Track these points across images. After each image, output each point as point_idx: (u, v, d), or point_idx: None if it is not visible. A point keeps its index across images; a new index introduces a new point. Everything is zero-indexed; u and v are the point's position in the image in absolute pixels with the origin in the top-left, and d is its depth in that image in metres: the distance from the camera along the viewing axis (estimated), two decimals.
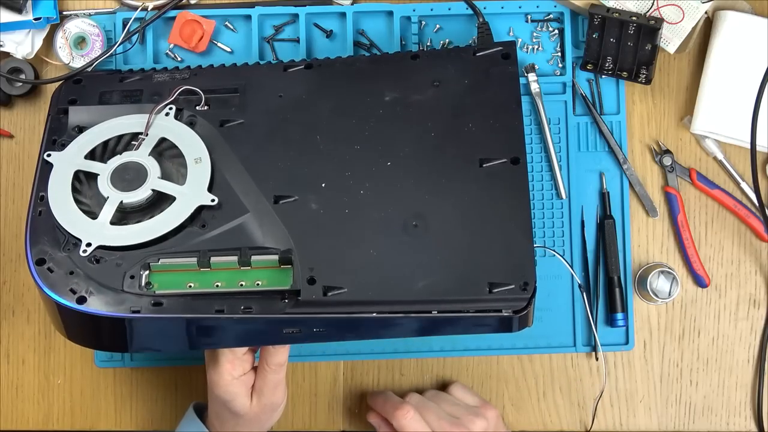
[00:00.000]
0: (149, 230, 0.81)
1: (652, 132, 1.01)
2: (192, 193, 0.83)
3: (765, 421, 0.99)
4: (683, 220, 0.99)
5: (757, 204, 0.98)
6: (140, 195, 0.83)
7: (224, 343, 0.84)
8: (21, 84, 0.98)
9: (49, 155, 0.85)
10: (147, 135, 0.85)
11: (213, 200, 0.82)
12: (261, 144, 0.86)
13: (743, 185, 1.01)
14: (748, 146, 0.95)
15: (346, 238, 0.81)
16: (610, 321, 0.98)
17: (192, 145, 0.85)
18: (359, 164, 0.84)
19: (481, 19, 0.95)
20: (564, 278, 0.99)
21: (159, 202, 0.84)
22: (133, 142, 0.86)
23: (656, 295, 0.98)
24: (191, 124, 0.87)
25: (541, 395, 1.00)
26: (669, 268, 0.98)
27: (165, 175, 0.85)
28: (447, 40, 1.01)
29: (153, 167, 0.84)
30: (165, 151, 0.86)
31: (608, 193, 0.99)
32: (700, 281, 1.00)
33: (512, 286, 0.78)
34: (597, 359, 0.99)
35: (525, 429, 1.00)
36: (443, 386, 0.99)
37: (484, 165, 0.83)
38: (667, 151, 1.01)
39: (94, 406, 1.00)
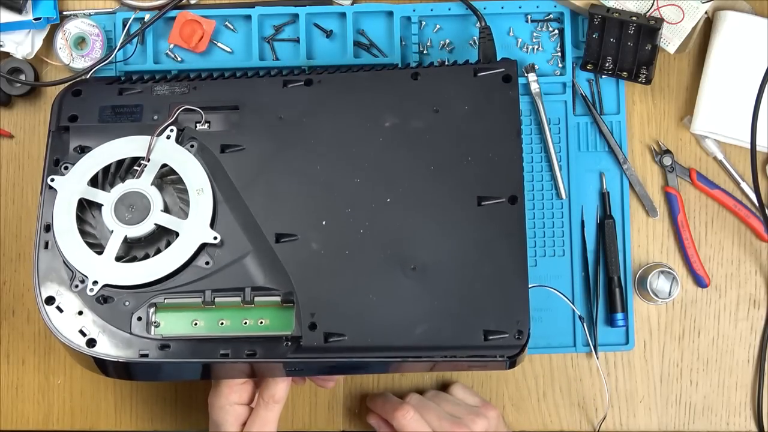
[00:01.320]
0: (154, 270, 0.83)
1: (652, 132, 1.01)
2: (194, 228, 0.84)
3: (765, 421, 0.99)
4: (683, 220, 0.99)
5: (757, 204, 0.98)
6: (144, 229, 0.84)
7: (228, 377, 0.87)
8: (21, 84, 0.98)
9: (53, 180, 0.86)
10: (149, 161, 0.86)
11: (215, 238, 0.83)
12: (261, 173, 0.86)
13: (743, 185, 1.01)
14: (748, 146, 0.95)
15: (347, 281, 0.83)
16: (610, 321, 0.98)
17: (194, 174, 0.85)
18: (359, 200, 0.84)
19: (482, 24, 0.94)
20: (564, 278, 0.99)
21: (162, 233, 0.85)
22: (135, 168, 0.86)
23: (656, 295, 0.98)
24: (191, 147, 0.87)
25: (541, 395, 1.00)
26: (669, 268, 0.98)
27: (167, 205, 0.86)
28: (447, 40, 1.01)
29: (155, 198, 0.85)
30: (167, 176, 0.87)
31: (608, 193, 0.99)
32: (700, 281, 1.00)
33: (507, 335, 0.80)
34: (597, 359, 0.99)
35: (525, 429, 1.00)
36: (443, 387, 0.99)
37: (483, 203, 0.84)
38: (667, 151, 1.01)
39: (94, 406, 1.00)
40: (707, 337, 1.00)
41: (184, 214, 0.85)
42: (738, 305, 1.00)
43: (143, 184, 0.85)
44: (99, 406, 1.00)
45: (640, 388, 1.00)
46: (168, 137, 0.86)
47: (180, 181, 0.86)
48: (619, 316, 0.98)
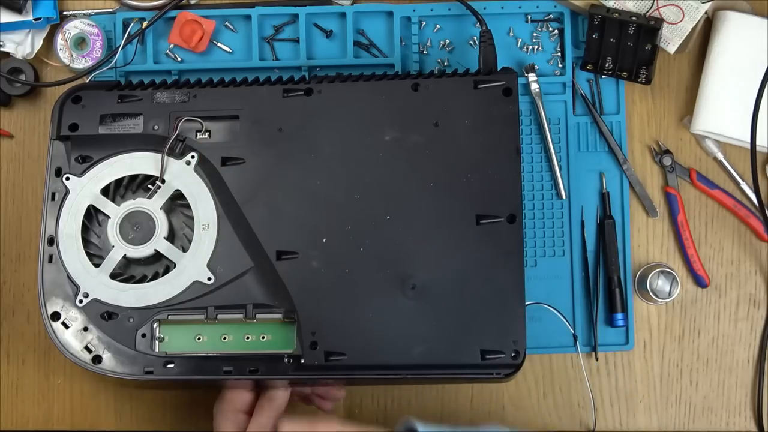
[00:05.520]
0: (145, 296, 0.85)
1: (652, 132, 1.01)
2: (192, 265, 0.85)
3: (765, 421, 0.99)
4: (683, 220, 0.99)
5: (757, 204, 0.98)
6: (143, 252, 0.86)
7: (231, 387, 0.88)
8: (21, 84, 0.98)
9: (68, 179, 0.86)
10: (164, 182, 0.86)
11: (209, 279, 0.85)
12: (262, 188, 0.86)
13: (743, 185, 1.01)
14: (748, 146, 0.95)
15: (347, 300, 0.84)
16: (610, 321, 0.98)
17: (204, 208, 0.86)
18: (359, 217, 0.85)
19: (483, 28, 0.93)
20: (564, 278, 0.99)
21: (162, 256, 0.86)
22: (149, 185, 0.87)
23: (656, 295, 0.98)
24: (192, 157, 0.87)
25: (541, 395, 1.00)
26: (669, 268, 0.98)
27: (172, 227, 0.87)
28: (447, 40, 1.01)
29: (162, 224, 0.86)
30: (177, 200, 0.88)
31: (608, 193, 0.99)
32: (700, 281, 1.00)
33: (503, 355, 0.82)
34: (597, 359, 0.99)
35: (525, 429, 1.00)
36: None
37: (482, 222, 0.84)
38: (667, 151, 1.01)
39: (94, 406, 1.00)
40: (707, 337, 1.00)
41: (187, 242, 0.86)
42: (738, 305, 1.00)
43: (153, 205, 0.86)
44: (99, 406, 1.00)
45: (640, 388, 1.00)
46: (188, 163, 0.87)
47: (189, 207, 0.87)
48: (619, 316, 0.98)
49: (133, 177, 0.88)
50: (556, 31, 1.01)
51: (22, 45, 0.98)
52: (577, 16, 1.00)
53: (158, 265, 0.87)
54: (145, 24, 0.97)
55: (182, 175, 0.87)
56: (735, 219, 1.01)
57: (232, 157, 0.87)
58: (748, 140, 0.94)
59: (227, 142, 0.87)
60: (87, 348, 0.84)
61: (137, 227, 0.86)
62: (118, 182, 0.88)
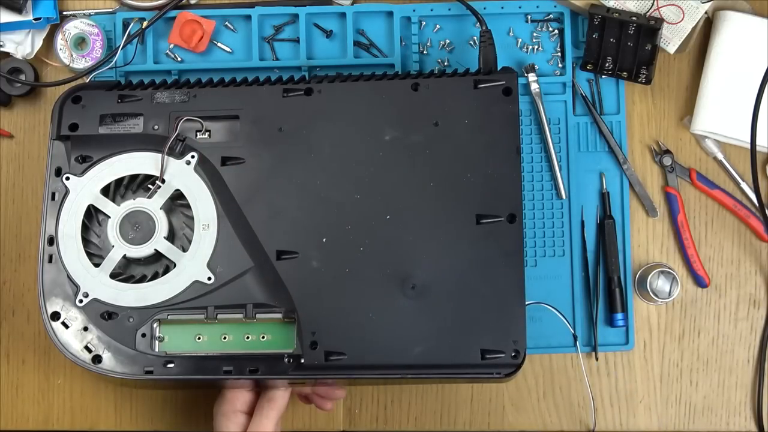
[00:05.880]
0: (144, 296, 0.85)
1: (652, 132, 1.01)
2: (192, 265, 0.85)
3: (765, 421, 0.99)
4: (683, 220, 1.00)
5: (757, 204, 0.98)
6: (143, 252, 0.86)
7: (231, 387, 0.88)
8: (21, 84, 0.98)
9: (68, 179, 0.87)
10: (164, 182, 0.87)
11: (209, 278, 0.85)
12: (262, 187, 0.86)
13: (743, 185, 1.01)
14: (748, 146, 0.95)
15: (347, 300, 0.84)
16: (610, 321, 0.98)
17: (204, 208, 0.86)
18: (359, 216, 0.85)
19: (483, 27, 0.93)
20: (564, 278, 0.99)
21: (162, 256, 0.86)
22: (149, 185, 0.87)
23: (656, 295, 0.98)
24: (192, 157, 0.87)
25: (541, 395, 1.00)
26: (669, 268, 0.98)
27: (172, 227, 0.87)
28: (447, 40, 1.01)
29: (162, 223, 0.86)
30: (177, 200, 0.88)
31: (608, 193, 0.99)
32: (700, 281, 1.00)
33: (503, 354, 0.82)
34: (597, 359, 0.99)
35: (525, 429, 1.00)
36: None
37: (482, 222, 0.84)
38: (667, 151, 1.01)
39: (94, 406, 1.00)
40: (707, 337, 1.00)
41: (187, 242, 0.86)
42: (738, 305, 1.00)
43: (153, 205, 0.86)
44: (99, 406, 1.00)
45: (640, 388, 1.00)
46: (188, 163, 0.87)
47: (189, 207, 0.87)
48: (619, 316, 0.98)
49: (133, 177, 0.88)
50: (556, 31, 1.01)
51: (22, 45, 0.98)
52: (577, 16, 1.00)
53: (158, 265, 0.87)
54: (145, 24, 0.98)
55: (182, 174, 0.87)
56: (735, 219, 1.01)
57: (232, 157, 0.87)
58: (748, 140, 0.94)
59: (227, 142, 0.88)
60: (87, 348, 0.84)
61: (137, 227, 0.86)
62: (118, 182, 0.88)
